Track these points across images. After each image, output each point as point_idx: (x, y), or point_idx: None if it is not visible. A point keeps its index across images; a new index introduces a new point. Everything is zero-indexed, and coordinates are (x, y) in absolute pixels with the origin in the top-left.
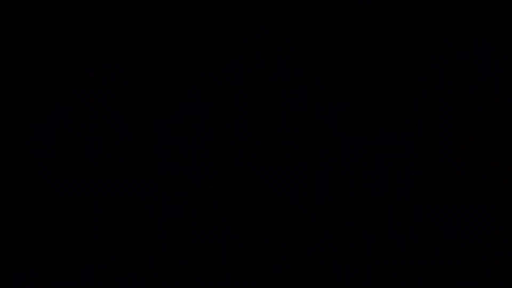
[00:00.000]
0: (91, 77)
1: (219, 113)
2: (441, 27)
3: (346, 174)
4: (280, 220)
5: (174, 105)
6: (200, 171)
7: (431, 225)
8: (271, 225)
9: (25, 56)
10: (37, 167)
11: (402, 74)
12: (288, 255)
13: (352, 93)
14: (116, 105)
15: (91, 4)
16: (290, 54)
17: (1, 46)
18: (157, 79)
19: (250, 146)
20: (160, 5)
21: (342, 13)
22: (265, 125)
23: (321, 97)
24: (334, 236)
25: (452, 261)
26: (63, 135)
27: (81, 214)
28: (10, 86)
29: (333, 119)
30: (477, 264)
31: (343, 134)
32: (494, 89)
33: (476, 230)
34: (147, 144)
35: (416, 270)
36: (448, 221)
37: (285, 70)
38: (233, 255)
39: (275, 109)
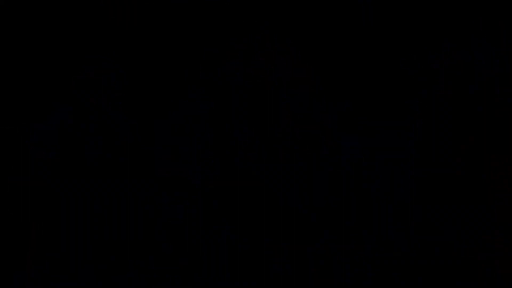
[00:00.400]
0: (91, 77)
1: (219, 113)
2: (441, 27)
3: (346, 174)
4: (280, 220)
5: (174, 105)
6: (200, 171)
7: (431, 225)
8: (271, 225)
9: (25, 56)
10: (37, 167)
11: (402, 74)
12: (288, 255)
13: (352, 93)
14: (116, 105)
15: (91, 4)
16: (290, 54)
17: (1, 46)
18: (157, 79)
19: (250, 146)
20: (160, 5)
21: (342, 13)
22: (265, 125)
23: (321, 97)
24: (334, 236)
25: (452, 261)
26: (63, 135)
27: (81, 214)
28: (10, 86)
29: (333, 119)
30: (477, 264)
31: (343, 134)
32: (494, 89)
33: (476, 230)
34: (147, 144)
35: (416, 270)
36: (448, 221)
37: (285, 70)
38: (233, 255)
39: (275, 109)
